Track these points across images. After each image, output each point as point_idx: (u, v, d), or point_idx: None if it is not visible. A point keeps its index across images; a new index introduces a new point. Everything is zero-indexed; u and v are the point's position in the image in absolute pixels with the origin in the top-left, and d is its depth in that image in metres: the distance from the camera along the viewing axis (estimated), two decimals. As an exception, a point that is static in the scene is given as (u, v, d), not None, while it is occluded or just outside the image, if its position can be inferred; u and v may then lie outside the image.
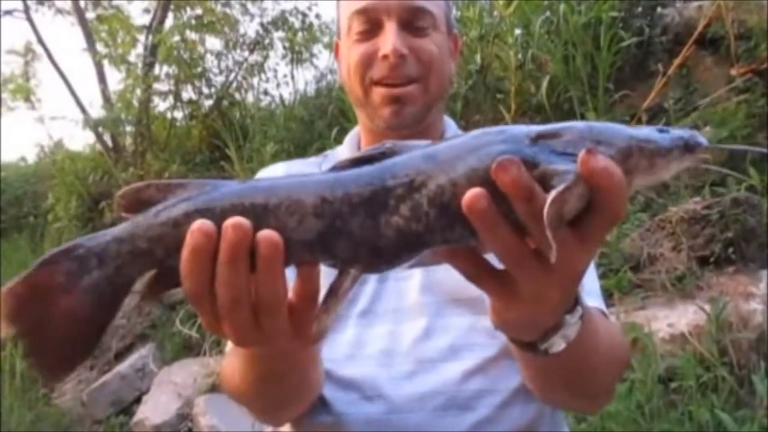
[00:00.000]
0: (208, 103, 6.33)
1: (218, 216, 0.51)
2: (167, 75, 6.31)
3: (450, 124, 1.06)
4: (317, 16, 6.51)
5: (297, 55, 6.45)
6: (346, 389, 0.88)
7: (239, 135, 5.30)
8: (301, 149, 4.73)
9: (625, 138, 0.53)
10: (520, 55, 4.01)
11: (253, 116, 5.87)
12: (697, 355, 2.39)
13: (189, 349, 4.29)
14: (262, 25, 6.48)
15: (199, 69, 6.26)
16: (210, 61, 6.39)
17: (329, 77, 5.90)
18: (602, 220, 0.51)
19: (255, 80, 6.49)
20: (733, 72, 3.41)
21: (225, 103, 6.30)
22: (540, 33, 3.95)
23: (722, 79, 3.49)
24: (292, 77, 6.39)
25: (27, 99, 7.97)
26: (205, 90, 6.34)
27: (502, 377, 0.87)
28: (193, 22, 6.27)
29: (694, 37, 3.44)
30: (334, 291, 0.54)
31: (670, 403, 2.35)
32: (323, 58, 6.62)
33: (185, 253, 0.51)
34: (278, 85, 6.43)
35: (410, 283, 0.93)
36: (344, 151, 1.07)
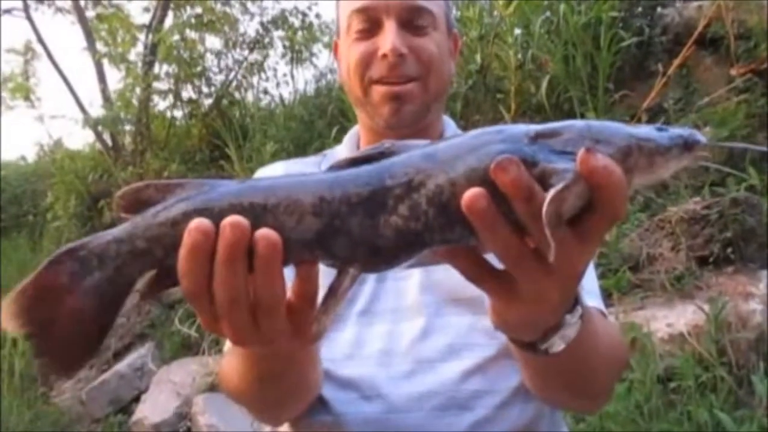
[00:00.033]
0: (208, 102, 6.33)
1: (216, 216, 0.51)
2: (167, 74, 6.31)
3: (449, 124, 1.06)
4: (317, 15, 6.52)
5: (297, 55, 6.45)
6: (344, 389, 0.88)
7: (239, 134, 5.31)
8: (300, 149, 4.73)
9: (625, 137, 0.53)
10: (520, 55, 4.01)
11: (252, 115, 5.87)
12: (696, 355, 2.39)
13: (188, 348, 4.29)
14: (262, 24, 6.48)
15: (199, 68, 6.26)
16: (210, 60, 6.40)
17: (329, 77, 5.90)
18: (602, 219, 0.51)
19: (255, 79, 6.50)
20: (733, 72, 3.41)
21: (225, 102, 6.30)
22: (540, 33, 3.95)
23: (722, 79, 3.49)
24: (292, 76, 6.41)
25: (27, 98, 7.97)
26: (205, 89, 6.35)
27: (501, 377, 0.87)
28: (193, 21, 6.26)
29: (694, 37, 3.43)
30: (333, 291, 0.54)
31: (669, 403, 2.35)
32: (323, 58, 6.64)
33: (183, 251, 0.51)
34: (278, 85, 6.44)
35: (409, 282, 0.93)
36: (343, 150, 1.07)
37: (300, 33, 6.46)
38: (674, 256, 2.79)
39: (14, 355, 4.62)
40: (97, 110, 6.72)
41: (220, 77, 6.39)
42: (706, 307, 2.44)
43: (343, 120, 4.66)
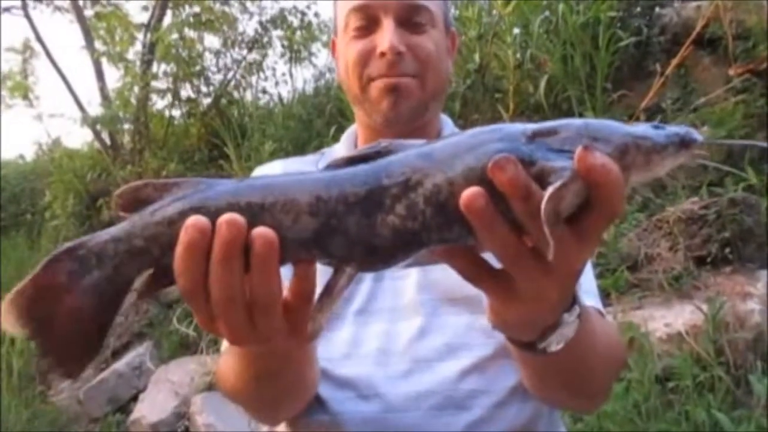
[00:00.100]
0: (207, 101, 6.32)
1: (213, 214, 0.51)
2: (165, 73, 6.30)
3: (447, 123, 1.06)
4: (316, 14, 6.52)
5: (295, 54, 6.45)
6: (342, 388, 0.88)
7: (237, 133, 5.30)
8: (299, 148, 4.72)
9: (622, 135, 0.53)
10: (518, 55, 4.01)
11: (251, 115, 5.86)
12: (694, 355, 2.39)
13: (186, 347, 4.29)
14: (260, 23, 6.48)
15: (198, 67, 6.26)
16: (208, 59, 6.39)
17: (328, 76, 5.90)
18: (600, 217, 0.51)
19: (253, 79, 6.49)
20: (731, 72, 3.41)
21: (223, 101, 6.29)
22: (539, 32, 3.95)
23: (720, 79, 3.49)
24: (291, 76, 6.41)
25: (25, 96, 7.96)
26: (204, 88, 6.34)
27: (498, 377, 0.87)
28: (192, 20, 6.25)
29: (693, 37, 3.44)
30: (329, 290, 0.54)
31: (667, 403, 2.35)
32: (322, 57, 6.64)
33: (179, 249, 0.51)
34: (277, 84, 6.44)
35: (407, 281, 0.93)
36: (341, 148, 1.07)
37: (299, 32, 6.46)
38: (672, 256, 2.79)
39: (12, 354, 4.62)
40: (95, 109, 6.72)
41: (219, 76, 6.39)
42: (704, 307, 2.44)
43: (341, 119, 4.66)
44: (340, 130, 1.11)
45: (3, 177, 7.97)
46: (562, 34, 3.82)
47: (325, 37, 6.43)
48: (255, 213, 0.51)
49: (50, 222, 6.56)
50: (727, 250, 2.67)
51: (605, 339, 0.78)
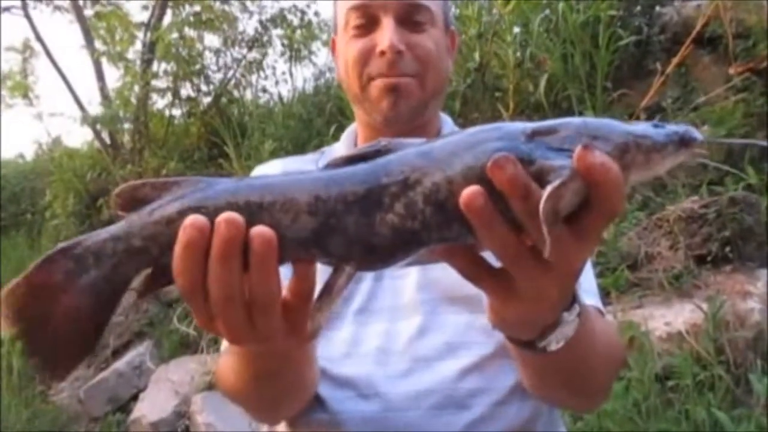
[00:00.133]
0: (207, 100, 6.32)
1: (212, 213, 0.51)
2: (165, 72, 6.30)
3: (447, 122, 1.06)
4: (316, 13, 6.52)
5: (295, 53, 6.45)
6: (341, 387, 0.88)
7: (237, 132, 5.30)
8: (299, 147, 4.72)
9: (622, 133, 0.53)
10: (518, 54, 4.01)
11: (251, 114, 5.87)
12: (694, 354, 2.39)
13: (186, 346, 4.29)
14: (260, 22, 6.48)
15: (198, 66, 6.26)
16: (208, 58, 6.40)
17: (328, 75, 5.90)
18: (599, 215, 0.51)
19: (253, 78, 6.50)
20: (732, 71, 3.41)
21: (223, 100, 6.29)
22: (539, 31, 3.95)
23: (720, 78, 3.49)
24: (291, 75, 6.41)
25: (25, 96, 7.97)
26: (204, 87, 6.34)
27: (498, 376, 0.87)
28: (192, 19, 6.26)
29: (693, 36, 3.44)
30: (328, 289, 0.54)
31: (667, 402, 2.35)
32: (322, 56, 6.64)
33: (178, 248, 0.51)
34: (277, 83, 6.44)
35: (406, 281, 0.93)
36: (341, 147, 1.06)
37: (299, 31, 6.46)
38: (672, 255, 2.79)
39: (12, 354, 4.61)
40: (95, 108, 6.72)
41: (219, 75, 6.39)
42: (704, 306, 2.44)
43: (341, 118, 4.66)
44: (341, 129, 1.10)
45: (3, 176, 7.98)
46: (562, 32, 3.81)
47: (325, 36, 6.43)
48: (254, 212, 0.51)
49: (50, 221, 6.57)
50: (728, 248, 2.67)
51: (605, 338, 0.78)
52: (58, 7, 7.86)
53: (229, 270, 0.51)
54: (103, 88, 6.78)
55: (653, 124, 0.55)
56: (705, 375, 2.33)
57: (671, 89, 3.51)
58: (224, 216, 0.50)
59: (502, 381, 0.87)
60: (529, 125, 0.53)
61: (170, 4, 6.47)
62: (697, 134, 0.55)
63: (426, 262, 0.56)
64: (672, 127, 0.55)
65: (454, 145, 0.52)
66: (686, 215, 2.80)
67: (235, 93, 6.43)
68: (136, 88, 6.28)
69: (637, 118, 3.29)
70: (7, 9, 7.69)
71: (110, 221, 0.55)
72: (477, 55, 4.14)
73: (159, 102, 6.50)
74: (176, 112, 6.48)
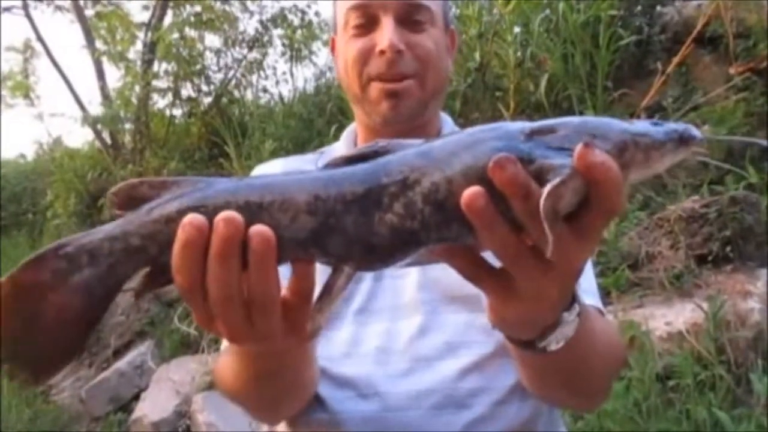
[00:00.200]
0: (207, 100, 6.33)
1: (211, 213, 0.51)
2: (166, 72, 6.31)
3: (447, 121, 1.06)
4: (316, 13, 6.53)
5: (296, 53, 6.45)
6: (341, 387, 0.88)
7: (238, 132, 5.30)
8: (299, 147, 4.72)
9: (620, 132, 0.53)
10: (519, 53, 4.01)
11: (252, 114, 5.87)
12: (695, 354, 2.39)
13: (187, 346, 4.29)
14: (261, 22, 6.48)
15: (198, 66, 6.26)
16: (209, 58, 6.40)
17: (328, 75, 5.90)
18: (599, 214, 0.51)
19: (254, 78, 6.50)
20: (732, 71, 3.41)
21: (224, 100, 6.30)
22: (539, 31, 3.94)
23: (721, 77, 3.49)
24: (291, 75, 6.41)
25: (26, 96, 7.99)
26: (204, 87, 6.35)
27: (498, 375, 0.87)
28: (192, 19, 6.26)
29: (693, 36, 3.44)
30: (327, 289, 0.54)
31: (668, 402, 2.35)
32: (322, 56, 6.64)
33: (176, 247, 0.51)
34: (277, 83, 6.44)
35: (406, 280, 0.93)
36: (341, 147, 1.06)
37: (299, 31, 6.47)
38: (673, 255, 2.79)
39: (13, 354, 4.61)
40: (96, 108, 6.74)
41: (220, 75, 6.40)
42: (705, 306, 2.44)
43: (342, 118, 4.66)
44: (341, 129, 1.10)
45: (4, 176, 7.99)
46: (562, 32, 3.81)
47: (325, 36, 6.43)
48: (253, 212, 0.51)
49: (51, 221, 6.57)
50: (728, 248, 2.67)
51: (605, 338, 0.78)
52: (59, 7, 7.89)
53: (228, 269, 0.51)
54: (103, 88, 6.79)
55: (652, 123, 0.55)
56: (706, 375, 2.33)
57: (672, 89, 3.51)
58: (223, 215, 0.50)
59: (502, 380, 0.87)
60: (528, 125, 0.53)
61: (171, 4, 6.48)
62: (696, 132, 0.55)
63: (425, 262, 0.56)
64: (671, 125, 0.55)
65: (453, 145, 0.52)
66: (687, 215, 2.80)
67: (236, 93, 6.44)
68: (137, 88, 6.29)
69: (638, 118, 3.29)
70: (8, 9, 7.71)
71: (111, 221, 0.54)
72: (477, 55, 4.14)
73: (160, 102, 6.52)
74: (177, 112, 6.50)
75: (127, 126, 6.53)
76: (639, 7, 3.92)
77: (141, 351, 4.48)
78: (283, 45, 6.51)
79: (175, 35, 6.13)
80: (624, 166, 0.51)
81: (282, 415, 0.89)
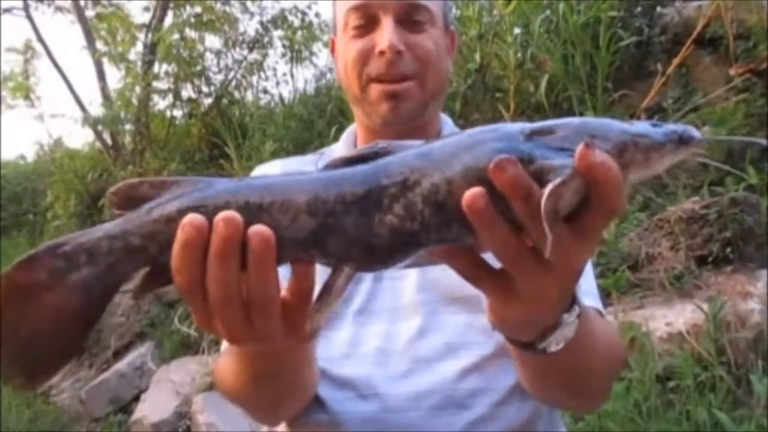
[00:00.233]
0: (208, 101, 6.33)
1: (211, 213, 0.51)
2: (167, 73, 6.31)
3: (447, 122, 1.06)
4: (317, 14, 6.52)
5: (296, 54, 6.45)
6: (341, 388, 0.88)
7: (238, 133, 5.31)
8: (300, 148, 4.72)
9: (620, 133, 0.53)
10: (519, 54, 4.01)
11: (252, 115, 5.87)
12: (695, 355, 2.39)
13: (187, 347, 4.29)
14: (261, 23, 6.48)
15: (199, 67, 6.26)
16: (209, 59, 6.40)
17: (329, 76, 5.90)
18: (599, 214, 0.51)
19: (254, 79, 6.50)
20: (732, 72, 3.40)
21: (224, 101, 6.30)
22: (539, 32, 3.94)
23: (721, 78, 3.48)
24: (292, 76, 6.41)
25: (26, 97, 7.99)
26: (205, 88, 6.35)
27: (498, 376, 0.87)
28: (193, 20, 6.27)
29: (693, 37, 3.44)
30: (327, 289, 0.54)
31: (668, 403, 2.35)
32: (323, 57, 6.64)
33: (176, 247, 0.51)
34: (277, 84, 6.44)
35: (406, 282, 0.93)
36: (341, 148, 1.06)
37: (299, 32, 6.47)
38: (673, 256, 2.79)
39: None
40: (96, 109, 6.74)
41: (220, 76, 6.40)
42: (705, 307, 2.43)
43: (342, 119, 4.66)
44: (341, 130, 1.10)
45: (4, 177, 8.00)
46: (562, 33, 3.81)
47: (326, 37, 6.42)
48: (253, 212, 0.51)
49: (52, 222, 6.58)
50: (728, 249, 2.67)
51: (605, 339, 0.78)
52: (59, 8, 7.90)
53: (228, 269, 0.51)
54: (104, 89, 6.80)
55: (652, 124, 0.55)
56: (706, 375, 2.33)
57: (672, 90, 3.51)
58: (223, 214, 0.50)
59: (502, 381, 0.87)
60: (528, 126, 0.53)
61: (171, 5, 6.48)
62: (695, 133, 0.55)
63: (425, 263, 0.56)
64: (670, 126, 0.55)
65: (453, 146, 0.52)
66: (687, 216, 2.80)
67: (236, 94, 6.44)
68: (138, 89, 6.29)
69: (638, 119, 3.28)
70: (9, 10, 7.72)
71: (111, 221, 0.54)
72: (478, 56, 4.14)
73: (160, 103, 6.52)
74: (177, 113, 6.50)
75: (128, 127, 6.53)
76: (639, 8, 3.92)
77: (141, 352, 4.48)
78: (284, 46, 6.51)
79: (176, 36, 6.13)
80: (624, 167, 0.51)
81: (282, 415, 0.89)
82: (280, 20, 6.45)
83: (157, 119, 6.48)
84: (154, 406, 3.94)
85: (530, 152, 0.50)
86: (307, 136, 5.01)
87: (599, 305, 0.91)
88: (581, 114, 3.46)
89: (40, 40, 7.35)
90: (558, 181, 0.48)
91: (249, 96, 6.48)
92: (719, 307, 2.39)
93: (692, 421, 2.25)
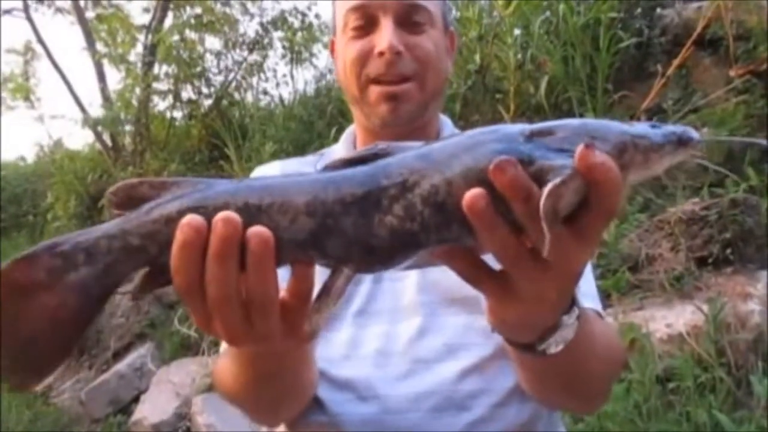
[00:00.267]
0: (208, 102, 6.33)
1: (211, 213, 0.50)
2: (167, 74, 6.32)
3: (446, 123, 1.06)
4: (317, 15, 6.53)
5: (296, 55, 6.46)
6: (341, 389, 0.88)
7: (238, 134, 5.31)
8: (300, 149, 4.72)
9: (620, 134, 0.53)
10: (519, 56, 4.01)
11: (252, 116, 5.88)
12: (695, 356, 2.39)
13: (187, 348, 4.29)
14: (261, 24, 6.49)
15: (199, 68, 6.27)
16: (209, 60, 6.41)
17: (328, 77, 5.91)
18: (598, 215, 0.51)
19: (254, 80, 6.51)
20: (732, 73, 3.41)
21: (224, 102, 6.31)
22: (539, 33, 3.95)
23: (721, 79, 3.49)
24: (292, 77, 6.42)
25: (26, 98, 8.00)
26: (205, 89, 6.36)
27: (498, 377, 0.87)
28: (193, 21, 6.27)
29: (693, 38, 3.44)
30: (326, 290, 0.53)
31: (668, 404, 2.35)
32: (322, 58, 6.65)
33: (175, 248, 0.50)
34: (277, 85, 6.45)
35: (406, 283, 0.93)
36: (340, 149, 1.06)
37: (299, 33, 6.47)
38: (673, 257, 2.79)
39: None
40: (96, 110, 6.75)
41: (220, 78, 6.41)
42: (705, 308, 2.43)
43: (342, 120, 4.66)
44: (341, 131, 1.10)
45: (4, 178, 8.00)
46: (562, 35, 3.82)
47: (325, 38, 6.42)
48: (252, 213, 0.51)
49: (52, 223, 6.59)
50: (728, 250, 2.67)
51: (604, 341, 0.78)
52: (59, 9, 7.90)
53: (227, 269, 0.51)
54: (104, 90, 6.81)
55: (651, 125, 0.55)
56: (706, 377, 2.33)
57: (672, 91, 3.51)
58: (221, 215, 0.50)
59: (501, 382, 0.87)
60: (528, 127, 0.53)
61: (171, 6, 6.48)
62: (694, 134, 0.55)
63: (425, 264, 0.56)
64: (670, 127, 0.55)
65: (452, 147, 0.52)
66: (687, 217, 2.80)
67: (236, 95, 6.45)
68: (137, 90, 6.29)
69: (638, 120, 3.28)
70: (9, 11, 7.72)
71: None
72: (477, 57, 4.14)
73: (160, 104, 6.53)
74: (177, 114, 6.51)
75: (128, 128, 6.53)
76: (639, 10, 3.93)
77: (141, 353, 4.48)
78: (284, 47, 6.52)
79: (176, 37, 6.13)
80: (623, 168, 0.51)
81: (281, 417, 0.89)
82: (280, 21, 6.45)
83: (157, 120, 6.48)
84: (153, 407, 3.93)
85: (530, 153, 0.50)
86: (307, 137, 5.01)
87: (599, 307, 0.91)
88: (581, 115, 3.46)
89: (40, 41, 7.36)
90: (557, 180, 0.48)
91: (249, 97, 6.50)
92: (719, 308, 2.39)
93: (692, 423, 2.25)
